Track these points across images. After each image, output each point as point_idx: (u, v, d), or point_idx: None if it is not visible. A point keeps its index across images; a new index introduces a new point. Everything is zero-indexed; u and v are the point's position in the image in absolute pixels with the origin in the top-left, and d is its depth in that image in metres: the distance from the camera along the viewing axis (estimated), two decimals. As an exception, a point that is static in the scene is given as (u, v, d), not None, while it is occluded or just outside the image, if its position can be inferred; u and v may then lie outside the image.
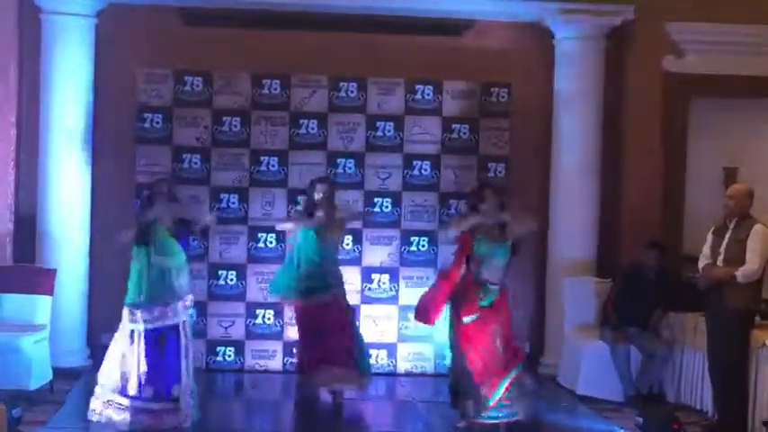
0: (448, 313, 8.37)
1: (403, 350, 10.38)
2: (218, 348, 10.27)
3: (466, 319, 8.19)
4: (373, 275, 10.39)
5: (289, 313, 9.85)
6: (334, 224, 8.97)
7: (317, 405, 8.95)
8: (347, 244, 10.22)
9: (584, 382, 9.62)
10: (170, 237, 8.21)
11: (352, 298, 10.11)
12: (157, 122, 10.23)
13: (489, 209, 8.38)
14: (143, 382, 8.04)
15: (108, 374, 8.15)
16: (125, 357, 8.11)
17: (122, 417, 8.06)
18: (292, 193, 10.18)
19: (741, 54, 10.67)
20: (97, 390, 8.17)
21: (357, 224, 10.22)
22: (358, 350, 9.01)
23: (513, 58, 10.85)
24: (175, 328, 8.13)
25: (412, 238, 10.39)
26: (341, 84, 10.40)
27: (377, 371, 10.18)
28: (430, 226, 10.37)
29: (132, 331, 8.09)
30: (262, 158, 10.32)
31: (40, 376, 8.93)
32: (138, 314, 8.07)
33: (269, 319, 10.23)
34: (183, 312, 8.17)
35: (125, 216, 9.22)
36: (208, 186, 10.26)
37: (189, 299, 8.26)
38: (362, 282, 10.35)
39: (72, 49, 10.07)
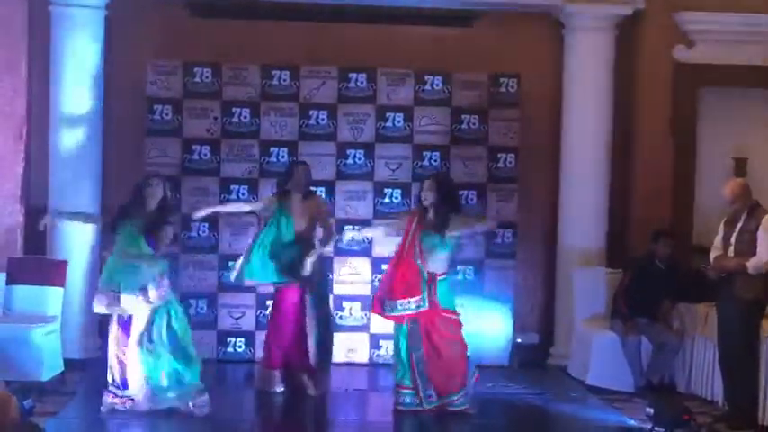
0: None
1: (413, 341, 10.38)
2: (229, 339, 10.29)
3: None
4: (383, 266, 10.35)
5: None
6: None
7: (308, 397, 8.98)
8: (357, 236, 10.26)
9: (595, 372, 9.61)
10: (138, 234, 8.31)
11: (363, 288, 10.18)
12: (167, 114, 10.24)
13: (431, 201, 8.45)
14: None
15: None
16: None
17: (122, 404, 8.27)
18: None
19: (751, 43, 10.64)
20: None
21: (366, 214, 10.26)
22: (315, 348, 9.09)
23: (522, 49, 10.83)
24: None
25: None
26: (350, 75, 10.40)
27: (386, 362, 10.20)
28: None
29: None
30: (272, 149, 10.33)
31: (51, 367, 8.95)
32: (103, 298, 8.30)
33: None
34: (146, 304, 8.24)
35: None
36: (218, 178, 10.28)
37: (158, 291, 8.31)
38: (372, 273, 10.35)
39: (81, 40, 10.08)
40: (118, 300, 8.23)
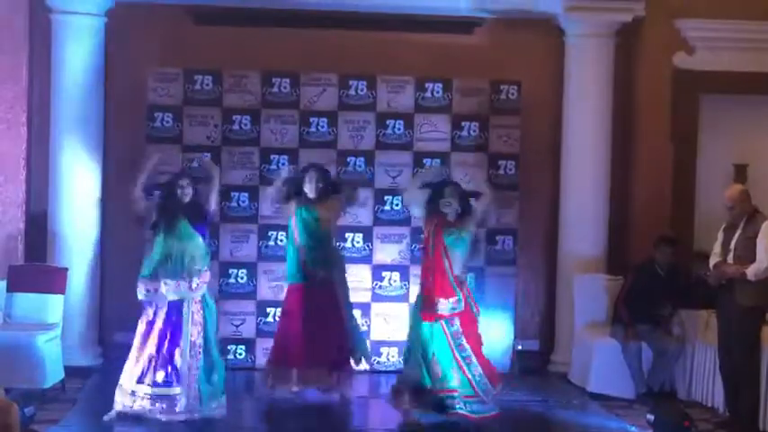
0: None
1: (414, 348, 10.37)
2: (229, 346, 10.28)
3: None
4: (384, 273, 10.39)
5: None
6: (327, 203, 9.10)
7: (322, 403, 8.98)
8: (357, 242, 10.24)
9: (596, 379, 9.61)
10: (187, 224, 8.41)
11: (363, 296, 10.18)
12: (168, 122, 10.25)
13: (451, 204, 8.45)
14: (156, 367, 8.24)
15: (127, 367, 8.31)
16: (142, 345, 8.31)
17: (141, 404, 8.21)
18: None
19: (751, 50, 10.66)
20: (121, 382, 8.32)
21: (366, 221, 10.25)
22: (351, 342, 9.19)
23: (523, 56, 10.83)
24: (179, 306, 8.30)
25: (422, 236, 10.36)
26: (351, 82, 10.41)
27: (387, 369, 10.20)
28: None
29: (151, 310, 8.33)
30: (272, 157, 10.34)
31: (52, 375, 8.96)
32: (142, 286, 8.32)
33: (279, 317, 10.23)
34: (189, 291, 8.29)
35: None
36: (218, 185, 10.26)
37: (201, 279, 8.39)
38: (373, 280, 10.35)
39: (82, 48, 10.09)
40: (160, 286, 8.28)
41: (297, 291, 9.13)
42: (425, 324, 8.30)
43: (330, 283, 9.12)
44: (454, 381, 8.19)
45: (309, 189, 9.09)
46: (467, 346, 8.26)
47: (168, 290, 8.28)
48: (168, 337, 8.28)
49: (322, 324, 9.00)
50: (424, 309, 8.33)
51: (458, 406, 8.15)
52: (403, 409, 8.40)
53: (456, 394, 8.17)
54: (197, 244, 8.44)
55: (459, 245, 8.39)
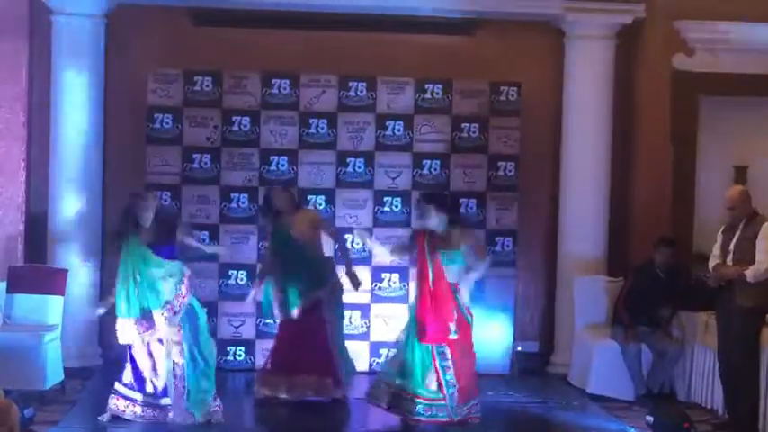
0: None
1: (413, 349, 10.37)
2: (229, 348, 10.29)
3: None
4: (383, 274, 10.40)
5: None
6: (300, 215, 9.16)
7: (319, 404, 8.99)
8: (357, 243, 10.23)
9: (595, 381, 9.61)
10: (146, 249, 8.24)
11: (363, 297, 10.17)
12: (167, 123, 10.25)
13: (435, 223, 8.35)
14: (148, 378, 8.26)
15: (126, 372, 8.33)
16: (138, 355, 8.31)
17: (133, 410, 8.24)
18: (302, 193, 10.19)
19: (751, 52, 10.64)
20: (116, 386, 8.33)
21: (366, 222, 10.25)
22: (336, 358, 9.16)
23: (523, 57, 10.84)
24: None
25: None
26: (350, 83, 10.41)
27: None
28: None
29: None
30: (272, 158, 10.34)
31: (52, 376, 8.95)
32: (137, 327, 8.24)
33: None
34: (173, 316, 8.22)
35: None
36: (218, 186, 10.28)
37: (181, 299, 8.28)
38: (373, 281, 10.35)
39: (82, 49, 10.10)
40: (153, 323, 8.19)
41: (289, 322, 9.15)
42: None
43: (317, 302, 9.12)
44: (431, 385, 8.18)
45: (278, 206, 9.13)
46: (448, 354, 8.22)
47: (161, 322, 8.19)
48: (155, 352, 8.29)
49: (309, 333, 9.02)
50: (428, 333, 8.23)
51: (423, 412, 8.17)
52: (383, 410, 8.46)
53: (420, 401, 8.17)
54: (165, 268, 8.25)
55: (454, 261, 8.33)
